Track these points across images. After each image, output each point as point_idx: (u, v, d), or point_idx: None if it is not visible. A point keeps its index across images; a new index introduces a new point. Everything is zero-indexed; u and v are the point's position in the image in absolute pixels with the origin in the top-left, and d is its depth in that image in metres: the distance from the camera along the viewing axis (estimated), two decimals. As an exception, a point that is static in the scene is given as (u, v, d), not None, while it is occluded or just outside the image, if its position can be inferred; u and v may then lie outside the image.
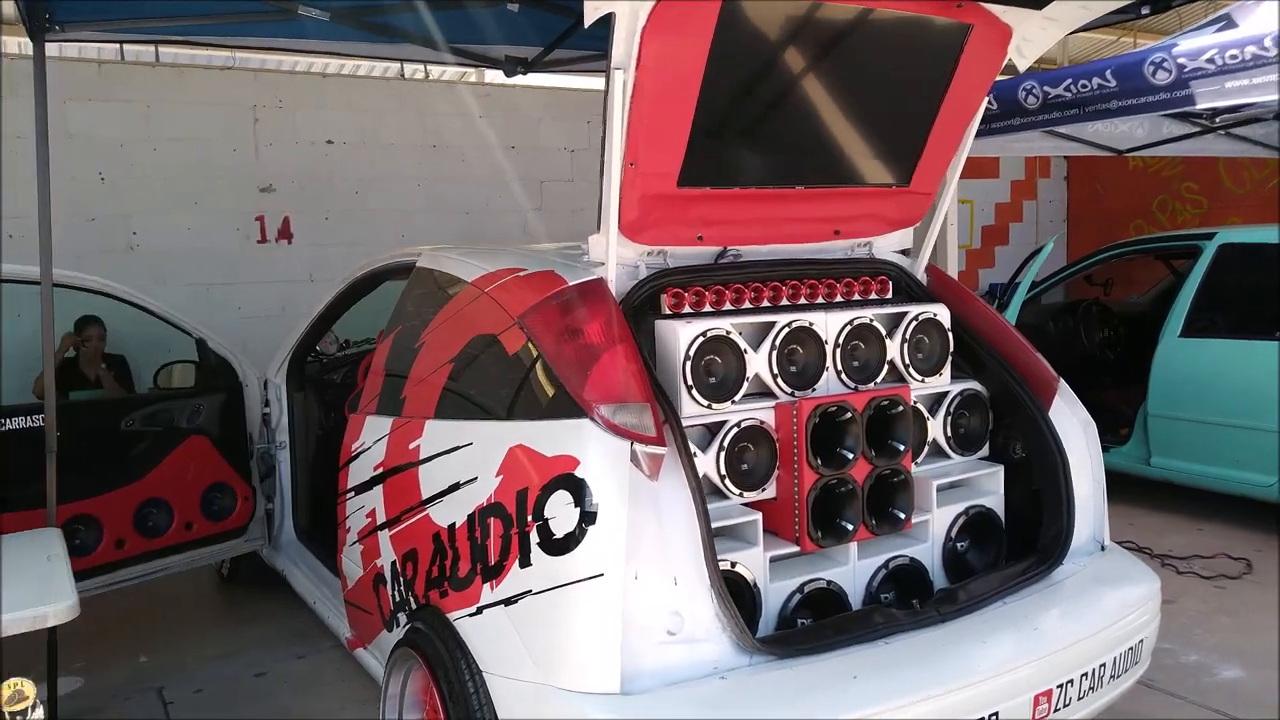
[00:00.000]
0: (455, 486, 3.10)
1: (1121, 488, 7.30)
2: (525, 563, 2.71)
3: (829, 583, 3.19)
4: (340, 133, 8.79)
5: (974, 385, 3.68)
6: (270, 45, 4.77)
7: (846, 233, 3.67)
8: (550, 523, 2.67)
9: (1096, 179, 12.76)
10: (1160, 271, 8.48)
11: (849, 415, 3.19)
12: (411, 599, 3.32)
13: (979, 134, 6.03)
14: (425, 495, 3.26)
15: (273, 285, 8.58)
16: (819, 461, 3.13)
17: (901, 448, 3.32)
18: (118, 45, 7.93)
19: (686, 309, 3.22)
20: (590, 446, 2.69)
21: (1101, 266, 8.04)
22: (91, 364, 6.29)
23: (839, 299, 3.55)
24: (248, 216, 8.50)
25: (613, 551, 2.57)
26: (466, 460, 3.10)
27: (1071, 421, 3.60)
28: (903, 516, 3.32)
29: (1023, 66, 3.60)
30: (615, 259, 3.06)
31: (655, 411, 2.73)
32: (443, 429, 3.32)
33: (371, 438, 3.80)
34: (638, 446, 2.67)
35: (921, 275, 3.85)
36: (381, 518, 3.58)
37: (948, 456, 3.65)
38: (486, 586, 2.85)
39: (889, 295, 3.69)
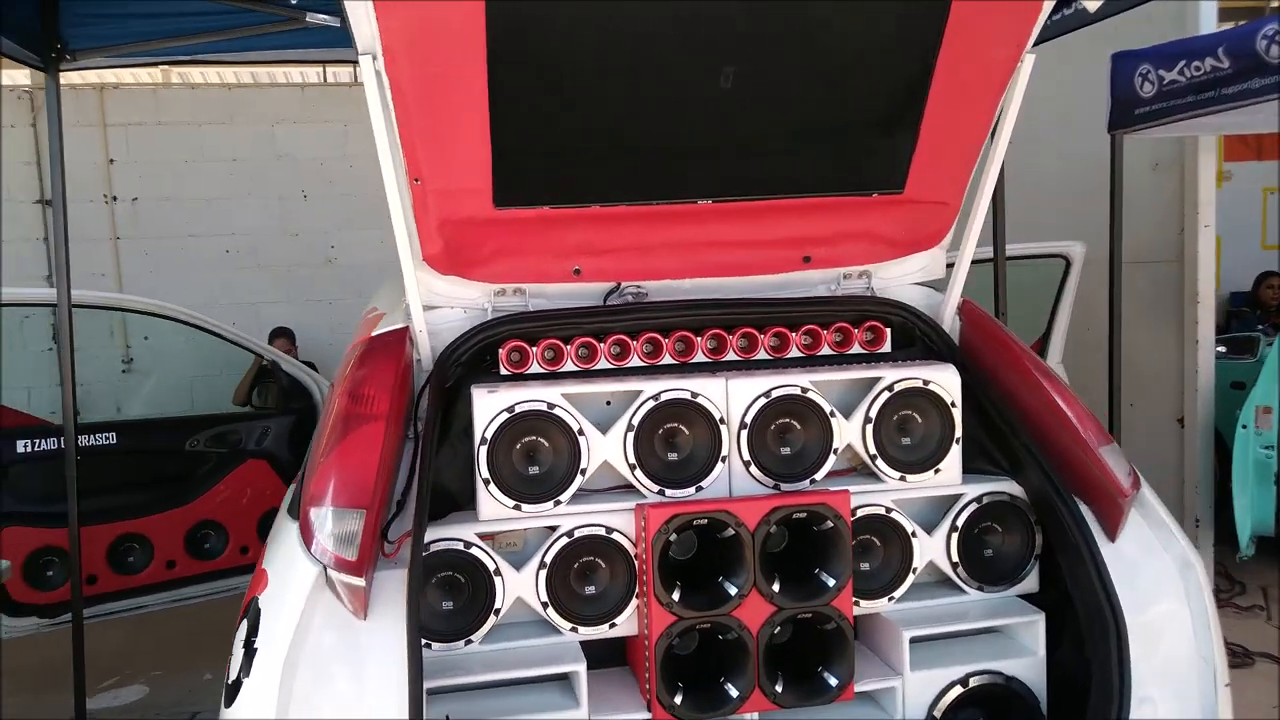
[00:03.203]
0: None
1: None
2: (228, 700, 2.09)
3: (701, 773, 2.22)
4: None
5: (1007, 488, 2.46)
6: (282, 59, 4.52)
7: (822, 260, 2.60)
8: (232, 660, 2.03)
9: None
10: None
11: (730, 532, 2.20)
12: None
13: (1202, 106, 4.37)
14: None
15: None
16: (675, 597, 2.18)
17: (832, 583, 2.25)
18: (320, 68, 8.29)
19: (534, 368, 2.40)
20: (280, 564, 2.02)
21: None
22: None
23: (795, 354, 2.53)
24: (442, 228, 8.55)
25: (258, 717, 1.87)
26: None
27: (1159, 561, 2.28)
28: (834, 683, 2.25)
29: (1092, 5, 2.32)
30: (419, 301, 2.34)
31: (372, 523, 1.97)
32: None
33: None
34: (333, 573, 1.94)
35: (948, 320, 2.66)
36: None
37: (961, 591, 2.47)
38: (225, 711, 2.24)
39: (883, 349, 2.57)
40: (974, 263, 4.97)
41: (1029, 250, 5.46)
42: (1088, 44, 5.02)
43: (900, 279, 2.70)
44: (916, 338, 2.62)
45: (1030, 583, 2.48)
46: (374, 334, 2.41)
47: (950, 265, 2.70)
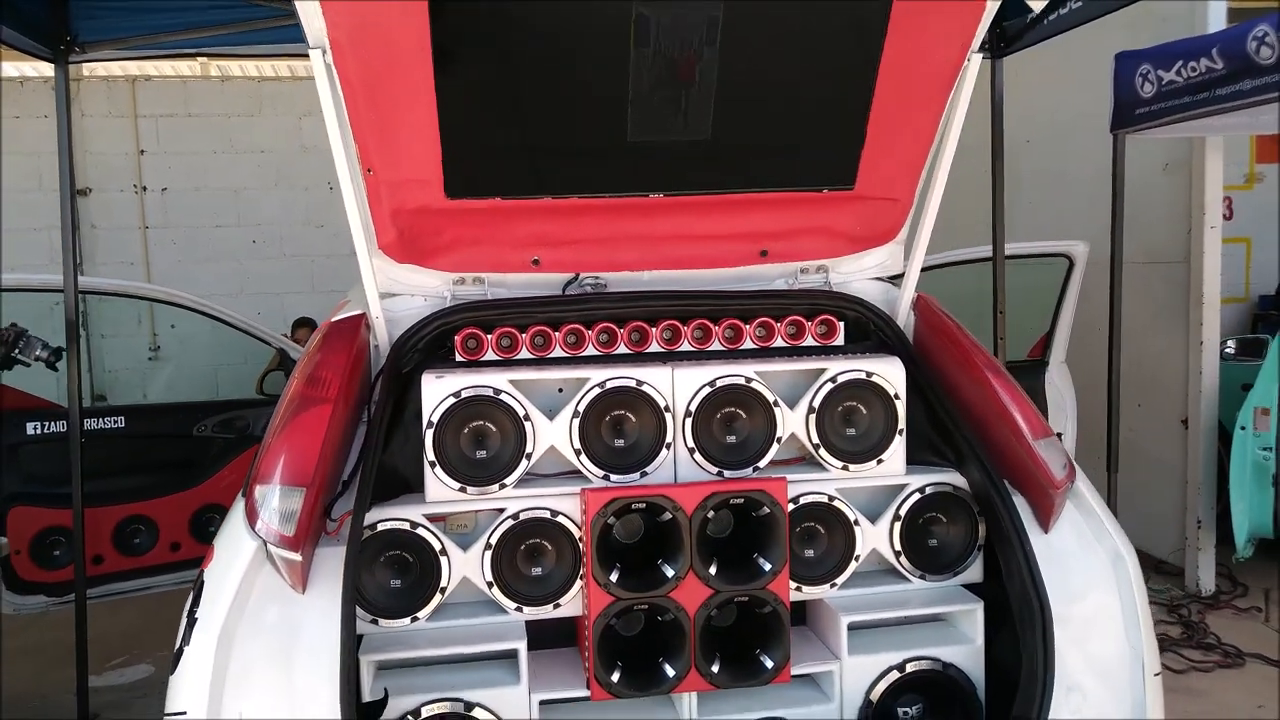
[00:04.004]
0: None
1: None
2: (172, 667, 2.20)
3: (636, 748, 2.29)
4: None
5: (950, 479, 2.50)
6: (298, 52, 4.62)
7: (778, 254, 2.66)
8: (179, 630, 2.13)
9: None
10: None
11: (668, 516, 2.27)
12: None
13: (1198, 107, 4.33)
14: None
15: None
16: (614, 578, 2.25)
17: (768, 567, 2.31)
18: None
19: (489, 355, 2.48)
20: (225, 540, 2.13)
21: None
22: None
23: (747, 345, 2.59)
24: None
25: (194, 684, 1.98)
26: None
27: (1091, 553, 2.31)
28: (770, 665, 2.31)
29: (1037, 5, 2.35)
30: (374, 288, 2.44)
31: (312, 501, 2.06)
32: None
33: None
34: (272, 548, 2.03)
35: (903, 314, 2.70)
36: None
37: (905, 579, 2.52)
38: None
39: (835, 340, 2.62)
40: (973, 262, 5.01)
41: (1030, 250, 5.44)
42: (1107, 45, 5.00)
43: (858, 274, 2.75)
44: (871, 331, 2.67)
45: (974, 572, 2.51)
46: (333, 319, 2.50)
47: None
